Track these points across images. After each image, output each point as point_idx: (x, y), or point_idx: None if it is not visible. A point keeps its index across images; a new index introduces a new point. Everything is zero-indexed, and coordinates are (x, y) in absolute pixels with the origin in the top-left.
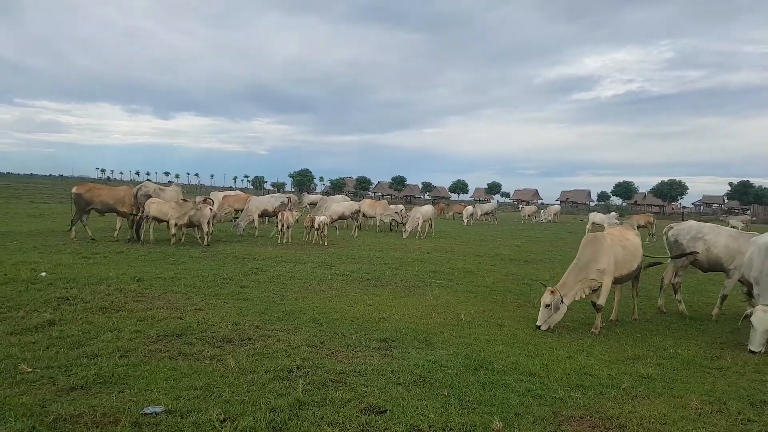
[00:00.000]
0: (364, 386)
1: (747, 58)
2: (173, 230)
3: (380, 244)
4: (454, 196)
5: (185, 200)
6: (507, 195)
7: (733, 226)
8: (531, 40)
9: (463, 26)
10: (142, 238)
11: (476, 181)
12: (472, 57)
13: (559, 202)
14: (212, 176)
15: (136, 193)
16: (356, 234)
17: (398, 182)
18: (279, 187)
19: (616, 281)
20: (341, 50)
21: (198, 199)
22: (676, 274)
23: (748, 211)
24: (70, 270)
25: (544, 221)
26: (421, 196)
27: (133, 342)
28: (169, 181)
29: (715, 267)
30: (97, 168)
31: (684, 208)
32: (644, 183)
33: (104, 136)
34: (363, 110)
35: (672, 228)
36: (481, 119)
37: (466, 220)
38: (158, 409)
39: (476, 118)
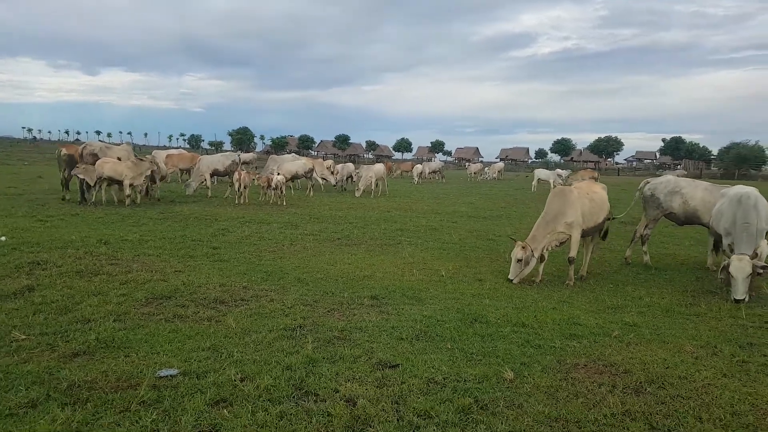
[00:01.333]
0: (369, 342)
1: (677, 17)
2: (128, 191)
3: (338, 203)
4: (398, 155)
5: (141, 159)
6: (449, 153)
7: None
8: None
9: None
10: (93, 200)
11: (419, 140)
12: (409, 12)
13: (499, 159)
14: (146, 135)
15: (81, 152)
16: (311, 194)
17: (342, 141)
18: (217, 146)
19: (584, 234)
20: (278, 2)
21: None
22: (646, 227)
23: (680, 166)
24: (31, 234)
25: (488, 178)
26: (366, 155)
27: (122, 306)
28: (100, 140)
29: (692, 220)
30: (23, 127)
31: (617, 164)
32: (580, 140)
33: (28, 94)
34: (302, 66)
35: (649, 182)
36: (420, 77)
37: (416, 179)
38: (173, 371)
39: (415, 75)
